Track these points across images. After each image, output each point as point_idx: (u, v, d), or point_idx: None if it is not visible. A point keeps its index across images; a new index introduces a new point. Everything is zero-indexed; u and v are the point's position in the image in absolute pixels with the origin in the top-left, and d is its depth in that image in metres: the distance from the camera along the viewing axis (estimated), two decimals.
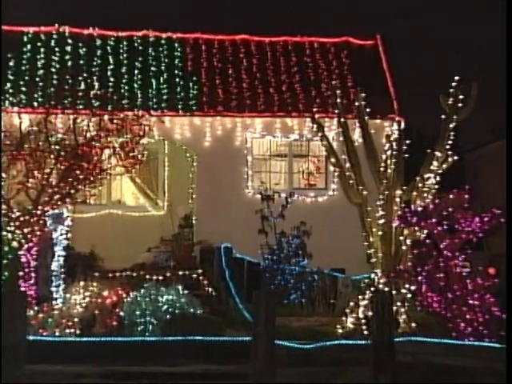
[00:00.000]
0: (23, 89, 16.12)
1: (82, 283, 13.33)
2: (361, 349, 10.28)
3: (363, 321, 12.05)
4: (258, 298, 9.36)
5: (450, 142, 13.33)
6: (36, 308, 12.33)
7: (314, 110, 15.83)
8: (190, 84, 17.13)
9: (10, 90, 15.96)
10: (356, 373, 9.96)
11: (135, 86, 16.90)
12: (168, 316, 11.94)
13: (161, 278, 14.36)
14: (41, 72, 16.77)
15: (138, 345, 11.06)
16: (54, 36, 17.62)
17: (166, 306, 12.09)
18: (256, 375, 9.05)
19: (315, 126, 14.41)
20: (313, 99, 17.11)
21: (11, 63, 16.67)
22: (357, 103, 13.71)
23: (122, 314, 12.16)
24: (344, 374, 10.14)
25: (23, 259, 13.27)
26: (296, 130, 17.08)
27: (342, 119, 13.81)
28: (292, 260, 15.03)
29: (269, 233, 15.39)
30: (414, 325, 12.10)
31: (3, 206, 13.37)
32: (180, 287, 12.74)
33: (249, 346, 9.30)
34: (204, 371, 10.34)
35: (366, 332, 11.57)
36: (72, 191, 13.70)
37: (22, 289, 12.79)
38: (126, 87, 16.84)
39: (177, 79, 17.27)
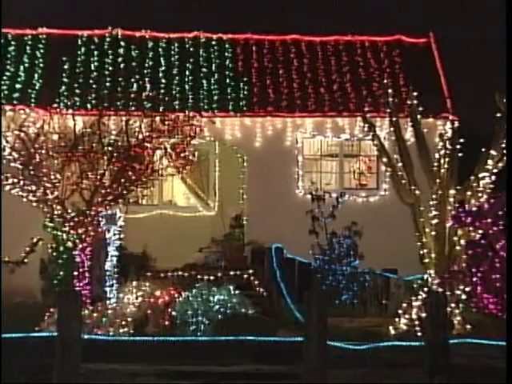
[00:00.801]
0: (77, 91, 16.36)
1: (134, 283, 13.49)
2: (415, 350, 10.17)
3: (416, 322, 11.90)
4: (310, 298, 9.33)
5: (505, 140, 13.08)
6: (90, 307, 12.50)
7: (366, 109, 15.70)
8: (241, 84, 17.17)
9: (65, 93, 16.21)
10: (410, 375, 9.86)
11: (186, 87, 17.00)
12: (220, 316, 11.99)
13: (212, 278, 14.45)
14: (94, 74, 16.99)
15: (191, 344, 11.12)
16: (107, 39, 17.84)
17: (217, 306, 12.15)
18: (308, 376, 9.02)
19: (366, 125, 14.29)
20: (364, 98, 16.97)
21: (66, 66, 16.93)
22: (409, 102, 13.56)
23: (174, 313, 12.25)
24: (398, 376, 10.04)
25: (78, 259, 13.49)
26: (347, 129, 16.97)
27: (394, 118, 13.66)
28: (343, 260, 14.94)
29: (320, 233, 15.31)
30: (468, 326, 11.90)
31: (58, 207, 13.59)
32: (231, 287, 12.79)
33: (300, 346, 9.27)
34: (256, 371, 10.36)
35: (419, 333, 11.44)
36: (124, 192, 13.86)
37: (77, 288, 13.01)
38: (178, 88, 16.95)
39: (227, 80, 17.32)
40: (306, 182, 16.95)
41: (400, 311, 12.49)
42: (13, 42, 17.26)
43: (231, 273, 14.87)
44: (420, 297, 12.20)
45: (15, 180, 13.56)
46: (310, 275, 14.81)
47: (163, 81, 17.07)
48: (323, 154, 17.32)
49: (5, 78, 16.34)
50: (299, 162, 16.97)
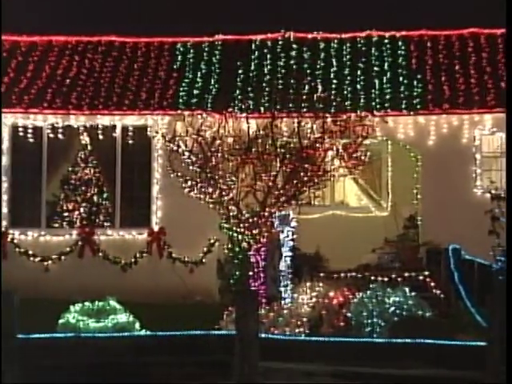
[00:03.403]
0: (251, 95, 16.71)
1: (308, 283, 13.55)
2: None
3: None
4: (492, 301, 8.92)
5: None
6: (267, 307, 12.69)
7: None
8: (414, 82, 16.76)
9: (239, 97, 16.61)
10: None
11: (358, 86, 16.85)
12: (395, 318, 11.77)
13: (386, 279, 14.24)
14: (267, 78, 17.27)
15: (366, 346, 10.99)
16: (280, 42, 18.06)
17: (393, 308, 11.94)
18: (492, 382, 8.62)
19: None
20: None
21: (240, 71, 17.33)
22: None
23: (348, 314, 12.18)
24: None
25: (252, 259, 13.75)
26: None
27: None
28: None
29: (500, 234, 14.60)
30: None
31: (233, 208, 13.93)
32: (407, 289, 12.53)
33: (482, 351, 8.88)
34: (435, 375, 10.06)
35: None
36: (297, 193, 13.95)
37: (253, 288, 13.27)
38: (349, 88, 16.84)
39: (400, 78, 16.98)
40: (485, 180, 16.22)
41: None
42: (191, 50, 17.94)
43: (406, 274, 14.57)
44: None
45: (193, 182, 14.07)
46: (490, 277, 14.18)
47: (335, 81, 17.03)
48: (504, 152, 16.53)
49: (183, 84, 17.02)
50: (477, 160, 16.29)
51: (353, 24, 18.31)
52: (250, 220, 13.75)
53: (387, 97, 16.55)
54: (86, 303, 11.99)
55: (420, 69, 17.07)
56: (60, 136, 16.33)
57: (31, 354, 9.98)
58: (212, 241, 15.96)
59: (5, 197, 16.16)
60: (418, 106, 16.29)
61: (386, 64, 17.33)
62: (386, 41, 17.85)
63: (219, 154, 13.97)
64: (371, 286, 12.79)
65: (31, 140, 16.33)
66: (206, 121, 14.57)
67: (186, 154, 14.06)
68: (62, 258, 15.98)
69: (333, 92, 16.39)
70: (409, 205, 16.87)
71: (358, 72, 17.17)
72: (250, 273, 13.72)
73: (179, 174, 14.24)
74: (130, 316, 11.89)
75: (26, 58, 17.60)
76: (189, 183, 14.07)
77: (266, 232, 13.77)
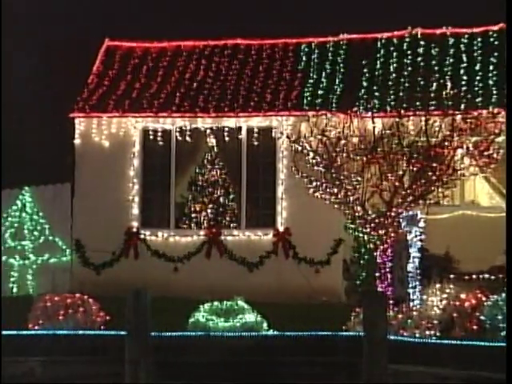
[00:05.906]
0: (376, 94, 16.48)
1: (437, 285, 13.19)
2: None
3: None
4: None
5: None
6: (395, 308, 12.47)
7: None
8: None
9: (364, 96, 16.43)
10: None
11: (490, 82, 16.27)
12: None
13: None
14: (393, 76, 16.99)
15: (502, 351, 10.53)
16: (407, 39, 17.72)
17: None
18: None
19: None
20: None
21: (365, 70, 17.16)
22: None
23: (482, 317, 11.76)
24: None
25: (379, 260, 13.56)
26: None
27: None
28: None
29: None
30: None
31: (359, 209, 13.79)
32: None
33: None
34: None
35: None
36: (425, 193, 13.66)
37: (379, 289, 13.09)
38: (480, 85, 16.30)
39: None
40: None
41: None
42: (316, 50, 17.92)
43: None
44: None
45: (318, 183, 14.05)
46: None
47: (464, 78, 16.53)
48: None
49: (308, 85, 17.01)
50: None
51: (484, 17, 17.71)
52: (376, 220, 13.60)
53: None
54: (215, 303, 12.17)
55: None
56: (188, 138, 16.74)
57: (164, 351, 10.24)
58: (337, 241, 15.87)
59: (136, 198, 16.71)
60: None
61: None
62: None
63: (344, 154, 13.89)
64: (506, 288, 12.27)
65: (161, 143, 16.82)
66: (330, 121, 14.51)
67: (311, 154, 14.07)
68: (191, 258, 16.35)
69: (463, 89, 15.92)
70: None
71: (490, 67, 16.57)
72: (377, 274, 13.53)
73: (304, 174, 14.27)
74: (258, 316, 11.97)
75: (156, 64, 18.15)
76: (314, 183, 14.08)
77: (392, 232, 13.57)
